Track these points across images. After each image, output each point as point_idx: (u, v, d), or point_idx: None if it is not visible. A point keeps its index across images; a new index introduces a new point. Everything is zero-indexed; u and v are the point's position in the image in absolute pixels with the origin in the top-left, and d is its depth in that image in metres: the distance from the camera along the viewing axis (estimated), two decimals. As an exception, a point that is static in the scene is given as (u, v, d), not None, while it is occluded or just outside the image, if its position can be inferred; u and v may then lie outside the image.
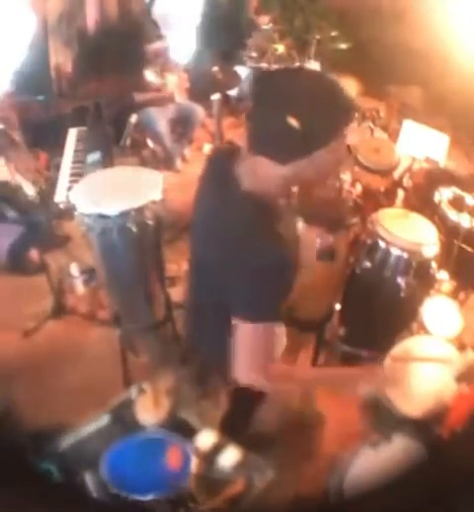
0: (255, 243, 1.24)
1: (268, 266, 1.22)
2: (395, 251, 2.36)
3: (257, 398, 1.74)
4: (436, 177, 3.07)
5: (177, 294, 2.75)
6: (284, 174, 1.23)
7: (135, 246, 2.39)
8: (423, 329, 2.26)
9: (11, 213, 2.94)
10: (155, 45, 4.29)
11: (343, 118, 1.20)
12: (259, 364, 1.31)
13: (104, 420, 1.53)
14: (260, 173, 1.26)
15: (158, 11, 4.47)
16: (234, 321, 1.29)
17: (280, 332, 1.42)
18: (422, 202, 3.04)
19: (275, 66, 4.59)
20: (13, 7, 3.34)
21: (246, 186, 1.28)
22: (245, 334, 1.29)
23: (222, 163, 1.37)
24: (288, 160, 1.19)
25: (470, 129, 3.59)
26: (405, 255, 2.35)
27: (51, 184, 2.82)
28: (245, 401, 1.71)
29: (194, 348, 1.76)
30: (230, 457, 1.41)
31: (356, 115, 1.26)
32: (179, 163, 4.38)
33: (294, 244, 1.44)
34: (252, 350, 1.30)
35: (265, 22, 5.13)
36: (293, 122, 1.11)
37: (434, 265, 2.37)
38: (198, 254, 1.51)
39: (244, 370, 1.33)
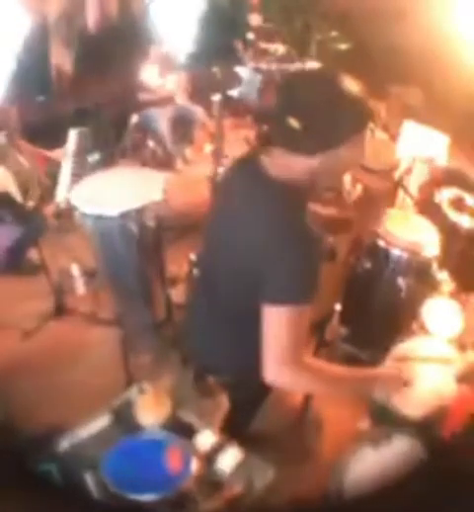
0: (288, 222, 1.32)
1: (299, 243, 1.30)
2: (395, 251, 2.36)
3: (257, 399, 1.74)
4: (446, 177, 3.05)
5: (177, 294, 2.76)
6: (310, 165, 1.32)
7: (136, 247, 2.40)
8: (423, 330, 2.25)
9: (10, 218, 2.94)
10: (155, 46, 4.29)
11: (357, 120, 1.33)
12: (291, 350, 1.31)
13: (104, 420, 1.53)
14: (286, 164, 1.35)
15: (158, 11, 4.47)
16: (266, 308, 1.31)
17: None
18: (422, 202, 3.04)
19: (274, 66, 4.58)
20: (13, 7, 3.34)
21: (273, 174, 1.37)
22: (279, 318, 1.29)
23: (247, 162, 1.47)
24: (308, 153, 1.30)
25: (471, 130, 3.58)
26: (405, 255, 2.35)
27: (51, 186, 2.82)
28: (245, 402, 1.71)
29: (194, 348, 1.75)
30: (230, 457, 1.41)
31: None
32: (179, 164, 4.38)
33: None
34: (285, 334, 1.30)
35: (257, 21, 5.14)
36: (300, 123, 1.24)
37: (434, 265, 2.37)
38: (219, 251, 1.52)
39: (275, 360, 1.32)
